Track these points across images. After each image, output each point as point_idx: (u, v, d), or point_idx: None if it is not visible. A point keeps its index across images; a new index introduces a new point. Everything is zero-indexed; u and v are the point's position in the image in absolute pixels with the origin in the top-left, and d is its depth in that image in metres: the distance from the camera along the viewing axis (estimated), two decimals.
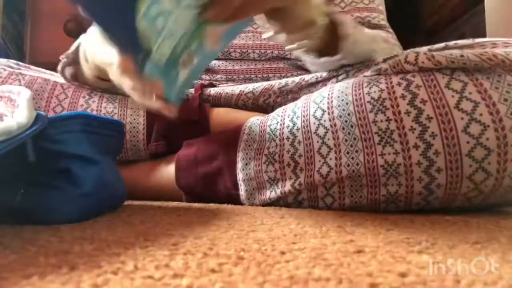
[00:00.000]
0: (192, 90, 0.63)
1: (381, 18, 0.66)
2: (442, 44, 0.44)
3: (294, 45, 0.49)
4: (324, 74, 0.55)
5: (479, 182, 0.38)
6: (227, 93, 0.61)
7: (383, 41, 0.54)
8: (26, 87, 0.56)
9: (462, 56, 0.38)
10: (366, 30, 0.56)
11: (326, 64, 0.53)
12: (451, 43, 0.44)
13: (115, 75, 0.41)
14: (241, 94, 0.61)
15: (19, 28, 1.97)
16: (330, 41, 0.50)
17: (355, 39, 0.49)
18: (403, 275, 0.19)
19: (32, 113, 0.30)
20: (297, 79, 0.58)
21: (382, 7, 0.70)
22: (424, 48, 0.43)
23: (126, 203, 0.45)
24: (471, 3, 1.90)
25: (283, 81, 0.59)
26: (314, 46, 0.50)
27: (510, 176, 0.38)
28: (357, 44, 0.50)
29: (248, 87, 0.61)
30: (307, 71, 0.64)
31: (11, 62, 0.63)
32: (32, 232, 0.28)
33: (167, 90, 0.39)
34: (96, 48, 0.53)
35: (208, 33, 0.39)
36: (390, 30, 0.66)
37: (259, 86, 0.60)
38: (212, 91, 0.62)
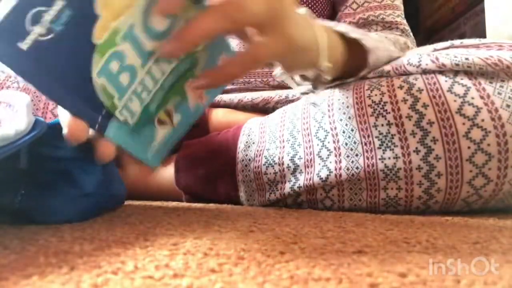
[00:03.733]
0: None
1: (397, 14, 0.62)
2: (447, 43, 0.42)
3: (302, 89, 0.42)
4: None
5: (479, 187, 0.37)
6: (225, 101, 0.62)
7: (392, 45, 0.50)
8: (24, 89, 0.57)
9: (467, 59, 0.38)
10: (373, 36, 0.48)
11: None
12: (457, 41, 0.42)
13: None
14: (239, 103, 0.61)
15: None
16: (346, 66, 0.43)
17: (377, 56, 0.43)
18: (403, 275, 0.19)
19: (31, 119, 0.30)
20: (299, 93, 0.58)
21: (399, 2, 0.66)
22: (429, 48, 0.42)
23: (126, 203, 0.45)
24: (471, 3, 1.90)
25: (284, 94, 0.59)
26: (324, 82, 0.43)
27: (510, 182, 0.37)
28: (378, 60, 0.44)
29: (247, 96, 0.61)
30: None
31: None
32: (32, 232, 0.28)
33: (140, 152, 0.32)
34: None
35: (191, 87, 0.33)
36: (407, 27, 0.62)
37: (257, 97, 0.60)
38: None
